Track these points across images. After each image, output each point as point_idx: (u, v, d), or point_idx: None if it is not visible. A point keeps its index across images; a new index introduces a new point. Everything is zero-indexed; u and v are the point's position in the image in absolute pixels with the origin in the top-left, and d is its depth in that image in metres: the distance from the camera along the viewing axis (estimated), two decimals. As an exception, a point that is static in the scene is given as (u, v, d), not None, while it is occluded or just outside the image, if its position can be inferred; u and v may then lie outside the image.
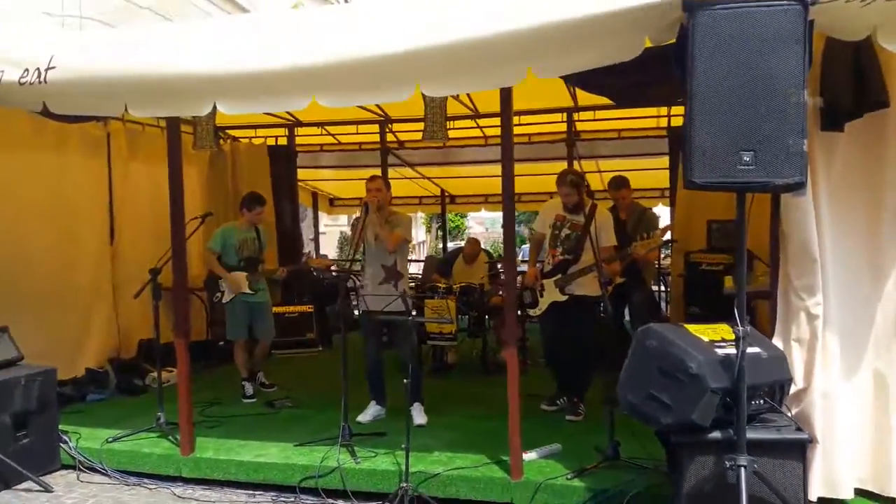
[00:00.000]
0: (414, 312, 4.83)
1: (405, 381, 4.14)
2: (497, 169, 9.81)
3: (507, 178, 4.12)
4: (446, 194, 11.37)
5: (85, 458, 4.73)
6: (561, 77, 3.68)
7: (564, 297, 5.30)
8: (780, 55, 2.89)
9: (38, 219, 5.99)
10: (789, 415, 3.55)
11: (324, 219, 15.48)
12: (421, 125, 8.38)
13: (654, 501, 3.84)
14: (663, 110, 7.74)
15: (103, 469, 4.68)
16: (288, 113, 7.87)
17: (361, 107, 7.28)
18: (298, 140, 8.82)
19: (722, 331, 3.50)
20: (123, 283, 6.83)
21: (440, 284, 7.07)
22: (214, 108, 3.80)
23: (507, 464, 4.27)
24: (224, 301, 6.09)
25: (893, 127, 3.56)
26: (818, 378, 3.63)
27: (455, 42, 3.32)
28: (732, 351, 3.28)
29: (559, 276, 5.34)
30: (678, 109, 7.61)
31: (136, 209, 7.05)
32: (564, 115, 7.73)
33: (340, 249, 20.57)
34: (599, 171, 8.93)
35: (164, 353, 6.96)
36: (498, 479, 4.14)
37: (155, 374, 6.42)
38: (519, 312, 6.48)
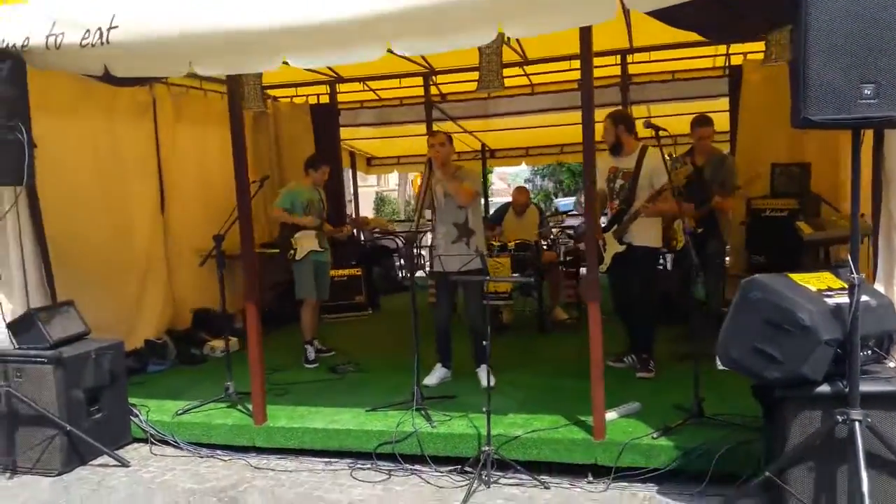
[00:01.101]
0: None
1: (484, 342, 3.99)
2: (541, 119, 9.53)
3: (588, 126, 3.88)
4: (486, 149, 11.11)
5: (156, 430, 4.69)
6: (649, 13, 3.39)
7: (623, 247, 5.13)
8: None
9: (91, 188, 5.88)
10: (892, 365, 3.35)
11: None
12: (466, 76, 8.14)
13: (746, 458, 3.68)
14: (721, 49, 7.36)
15: (175, 441, 4.64)
16: (329, 69, 7.64)
17: (406, 58, 7.02)
18: (339, 97, 8.60)
19: (826, 279, 3.29)
20: (175, 252, 6.77)
21: (494, 242, 6.88)
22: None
23: (587, 424, 4.15)
24: (297, 258, 6.04)
25: None
26: (927, 325, 3.42)
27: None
28: (842, 300, 3.09)
29: (616, 226, 5.17)
30: (738, 48, 7.25)
31: (184, 175, 6.92)
32: (618, 57, 7.37)
33: (377, 210, 20.43)
34: (650, 117, 8.60)
35: (220, 321, 6.95)
36: (580, 440, 4.01)
37: (213, 343, 6.44)
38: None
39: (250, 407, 4.70)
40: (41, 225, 4.87)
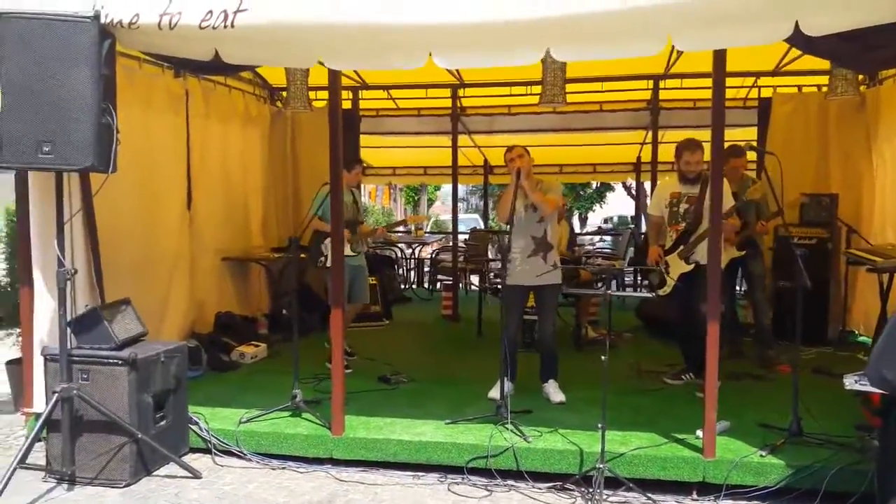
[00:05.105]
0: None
1: (602, 357, 3.85)
2: (541, 139, 9.48)
3: (717, 144, 3.85)
4: (487, 164, 11.10)
5: (220, 440, 4.37)
6: (788, 40, 3.37)
7: (690, 266, 5.15)
8: None
9: (127, 181, 5.42)
10: None
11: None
12: (485, 91, 8.10)
13: (855, 477, 3.70)
14: (748, 81, 7.55)
15: (241, 452, 4.32)
16: (356, 73, 7.44)
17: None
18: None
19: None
20: (199, 252, 6.40)
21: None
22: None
23: (688, 441, 4.11)
24: (328, 265, 5.73)
25: None
26: None
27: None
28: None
29: (681, 247, 5.19)
30: (767, 81, 7.45)
31: (210, 173, 6.57)
32: (650, 82, 7.45)
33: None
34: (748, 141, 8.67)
35: (243, 326, 6.62)
36: (688, 457, 3.95)
37: (242, 349, 6.10)
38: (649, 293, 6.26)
39: (319, 416, 4.46)
40: (93, 217, 4.56)
